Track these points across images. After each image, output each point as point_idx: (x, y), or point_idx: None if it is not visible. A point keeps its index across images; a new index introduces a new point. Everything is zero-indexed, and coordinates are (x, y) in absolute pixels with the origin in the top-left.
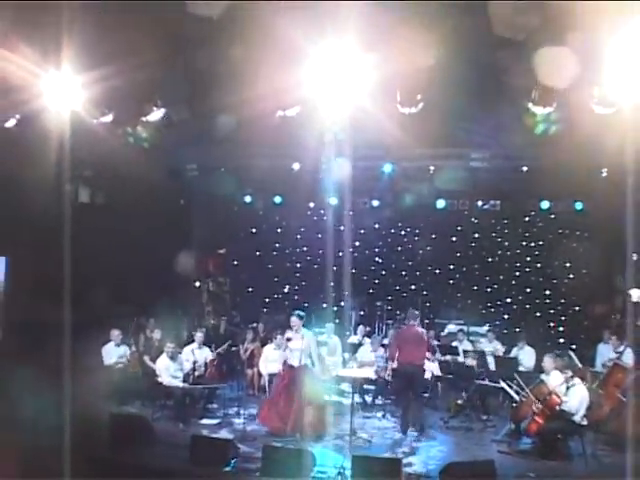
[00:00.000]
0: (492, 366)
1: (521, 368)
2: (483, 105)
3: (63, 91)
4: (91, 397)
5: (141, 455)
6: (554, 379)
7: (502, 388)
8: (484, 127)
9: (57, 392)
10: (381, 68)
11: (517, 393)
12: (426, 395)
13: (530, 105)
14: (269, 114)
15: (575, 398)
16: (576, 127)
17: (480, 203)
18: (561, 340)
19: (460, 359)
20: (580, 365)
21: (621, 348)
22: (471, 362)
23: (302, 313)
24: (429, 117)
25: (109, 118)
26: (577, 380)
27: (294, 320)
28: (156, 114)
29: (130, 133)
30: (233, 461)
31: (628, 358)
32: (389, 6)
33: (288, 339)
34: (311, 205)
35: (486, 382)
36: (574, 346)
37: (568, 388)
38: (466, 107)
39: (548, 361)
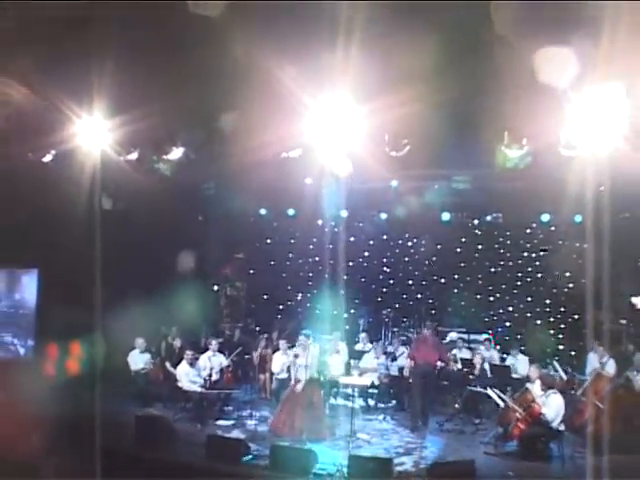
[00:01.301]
0: (488, 373)
1: (516, 375)
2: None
3: (94, 133)
4: (118, 399)
5: (163, 451)
6: (537, 388)
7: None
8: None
9: (87, 396)
10: (371, 117)
11: (502, 400)
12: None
13: (503, 148)
14: (274, 156)
15: (552, 408)
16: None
17: (483, 216)
18: (560, 347)
19: (458, 365)
20: (564, 375)
21: (605, 358)
22: (465, 369)
23: (309, 332)
24: (425, 146)
25: (134, 156)
26: (554, 391)
27: (302, 339)
28: (176, 152)
29: (154, 165)
30: (250, 456)
31: (610, 368)
32: (378, 65)
33: (296, 355)
34: (322, 218)
35: (477, 389)
36: (573, 353)
37: (546, 398)
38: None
39: (533, 370)
